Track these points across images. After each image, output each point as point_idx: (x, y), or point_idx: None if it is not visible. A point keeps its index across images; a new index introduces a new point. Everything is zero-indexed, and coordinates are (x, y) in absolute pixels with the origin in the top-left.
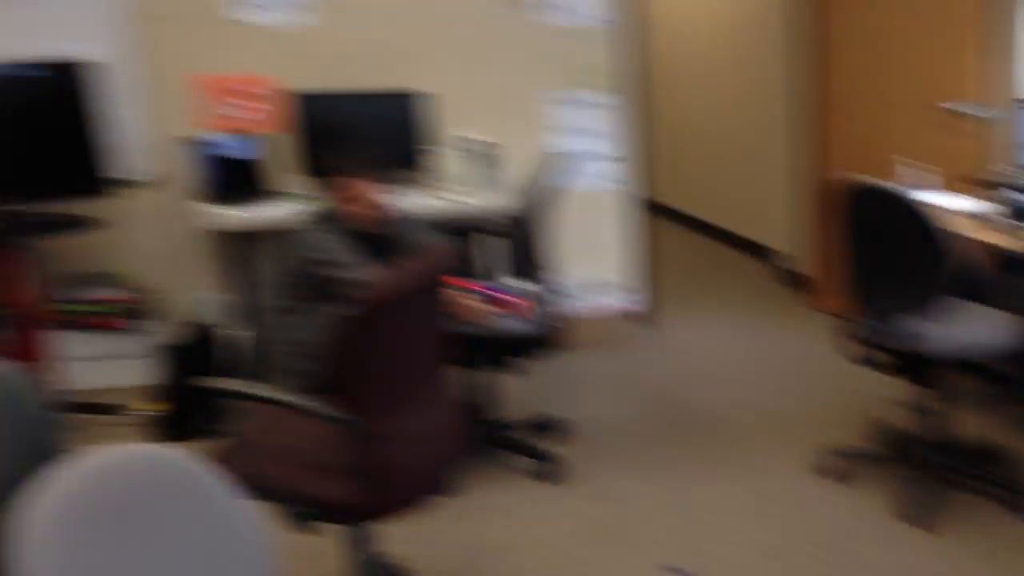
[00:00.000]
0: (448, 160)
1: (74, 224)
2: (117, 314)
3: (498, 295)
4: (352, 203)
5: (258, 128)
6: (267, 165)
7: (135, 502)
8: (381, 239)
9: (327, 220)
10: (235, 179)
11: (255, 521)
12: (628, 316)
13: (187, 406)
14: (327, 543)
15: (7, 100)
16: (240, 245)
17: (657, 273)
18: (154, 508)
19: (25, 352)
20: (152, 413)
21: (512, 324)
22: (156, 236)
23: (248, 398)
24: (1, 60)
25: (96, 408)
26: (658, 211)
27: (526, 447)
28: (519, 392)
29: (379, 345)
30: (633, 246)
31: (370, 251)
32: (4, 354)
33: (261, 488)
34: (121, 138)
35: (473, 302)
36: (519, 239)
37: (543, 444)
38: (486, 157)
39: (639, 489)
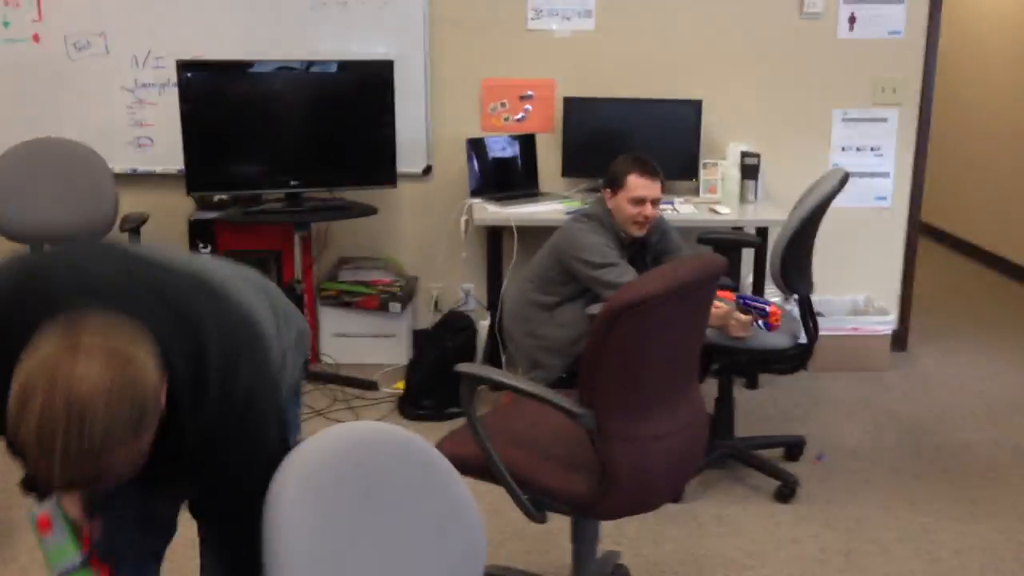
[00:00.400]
0: (721, 171)
1: (356, 210)
2: (381, 296)
3: (754, 305)
4: (628, 204)
5: (532, 130)
6: (538, 165)
7: (371, 475)
8: (643, 242)
9: (597, 220)
10: (505, 177)
11: (473, 501)
12: (880, 339)
13: (433, 388)
14: (556, 531)
15: (320, 95)
16: (504, 240)
17: (916, 296)
18: (387, 481)
19: None
20: (401, 392)
21: (763, 337)
22: (426, 226)
23: (498, 385)
24: (321, 59)
25: (352, 382)
26: (926, 231)
27: (763, 464)
28: (761, 407)
29: (633, 347)
30: (894, 266)
31: (631, 253)
32: None
33: (496, 471)
34: (406, 133)
35: (728, 311)
36: (787, 252)
37: (780, 463)
38: (757, 169)
39: (877, 520)
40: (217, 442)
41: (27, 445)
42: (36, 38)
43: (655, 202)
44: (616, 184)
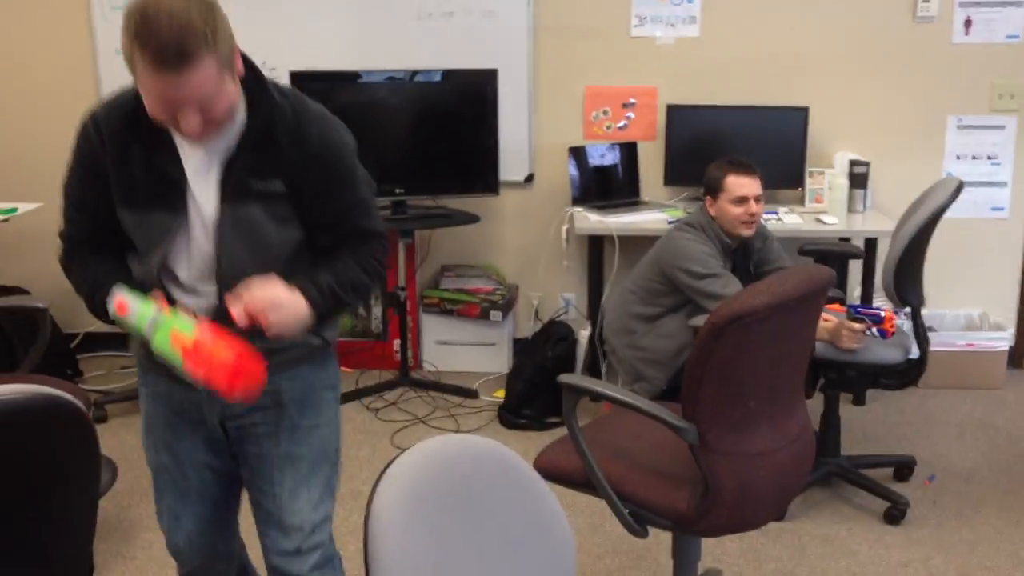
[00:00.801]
0: (828, 180)
1: (458, 218)
2: (482, 304)
3: (866, 313)
4: (731, 206)
5: (634, 138)
6: (640, 174)
7: (467, 487)
8: (746, 248)
9: (700, 229)
10: (607, 185)
11: (563, 515)
12: (995, 355)
13: (534, 397)
14: (655, 547)
15: (425, 104)
16: (605, 249)
17: None
18: (482, 494)
19: (394, 330)
20: (500, 400)
21: (875, 351)
22: (527, 235)
23: (599, 396)
24: (425, 69)
25: (453, 390)
26: None
27: (871, 484)
28: (869, 425)
29: (737, 361)
30: (1011, 280)
31: (734, 260)
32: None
33: (597, 484)
34: (508, 141)
35: (838, 323)
36: (900, 264)
37: (889, 483)
38: (866, 178)
39: (991, 544)
40: (308, 158)
41: (131, 47)
42: None
43: (758, 199)
44: (715, 189)
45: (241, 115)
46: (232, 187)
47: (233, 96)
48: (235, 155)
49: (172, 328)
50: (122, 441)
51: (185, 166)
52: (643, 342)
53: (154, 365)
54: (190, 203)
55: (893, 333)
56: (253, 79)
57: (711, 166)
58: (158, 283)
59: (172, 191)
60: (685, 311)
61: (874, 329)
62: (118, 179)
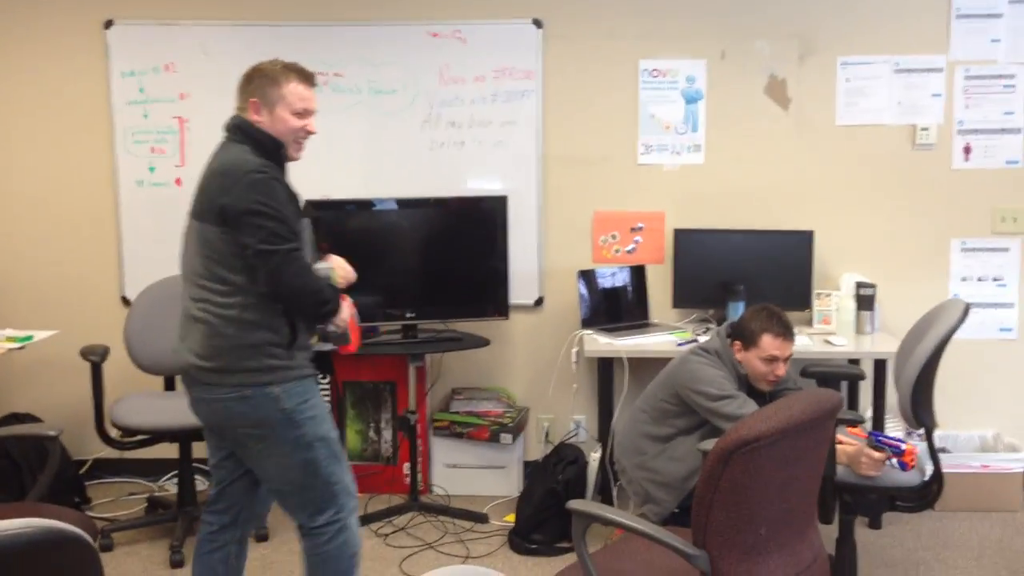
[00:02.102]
0: (835, 302)
1: (468, 342)
2: (492, 427)
3: (887, 443)
4: (760, 363)
5: (643, 261)
6: (648, 297)
7: None
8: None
9: (716, 355)
10: (616, 308)
11: None
12: (1011, 477)
13: (544, 522)
14: None
15: (435, 230)
16: (615, 371)
17: None
18: None
19: (404, 453)
20: (511, 524)
21: (894, 474)
22: (537, 357)
23: (609, 523)
24: (437, 196)
25: (463, 514)
26: None
27: None
28: (885, 549)
29: (747, 487)
30: (1022, 400)
31: (747, 389)
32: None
33: None
34: (518, 265)
35: (859, 448)
36: (916, 387)
37: None
38: (873, 300)
39: None
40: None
41: (279, 74)
42: (179, 182)
43: (787, 359)
44: (749, 340)
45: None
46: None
47: None
48: None
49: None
50: (126, 571)
51: None
52: (654, 464)
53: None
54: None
55: (913, 466)
56: None
57: (752, 313)
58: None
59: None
60: (698, 434)
61: (894, 460)
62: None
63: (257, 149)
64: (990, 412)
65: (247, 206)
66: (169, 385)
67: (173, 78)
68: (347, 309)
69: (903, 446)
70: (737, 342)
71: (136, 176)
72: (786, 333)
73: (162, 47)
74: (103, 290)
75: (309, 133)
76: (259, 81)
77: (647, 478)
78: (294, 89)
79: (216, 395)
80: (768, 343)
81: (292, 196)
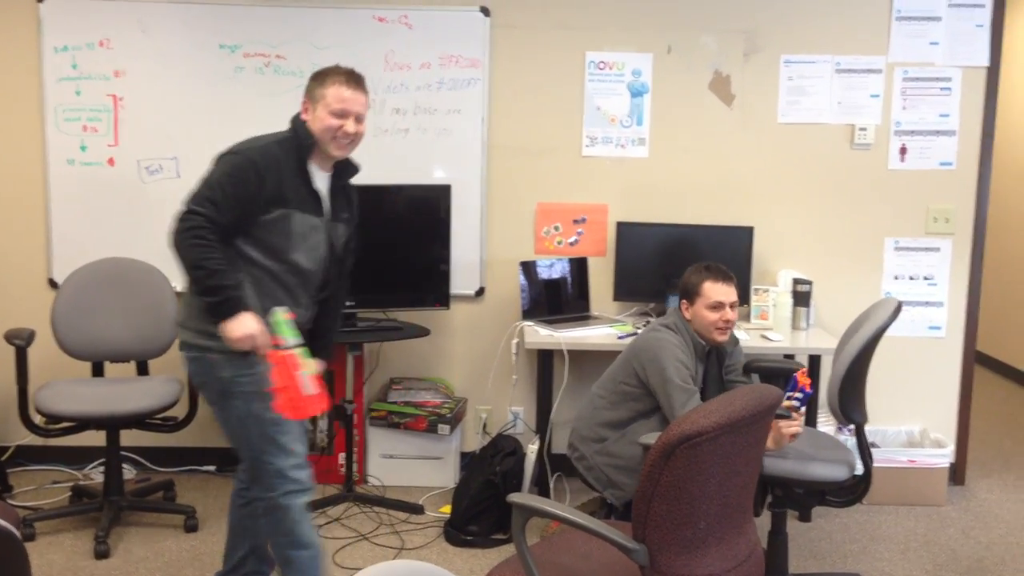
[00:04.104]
0: (772, 298)
1: (408, 331)
2: (430, 418)
3: (789, 396)
4: (708, 311)
5: (585, 253)
6: (590, 289)
7: None
8: (719, 354)
9: (678, 332)
10: (557, 300)
11: None
12: (937, 472)
13: (481, 513)
14: None
15: (377, 218)
16: (555, 363)
17: (972, 428)
18: None
19: (340, 443)
20: (447, 516)
21: (822, 469)
22: (477, 348)
23: (549, 516)
24: (379, 184)
25: (397, 505)
26: (981, 361)
27: None
28: (814, 542)
29: (688, 481)
30: (949, 397)
31: (707, 365)
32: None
33: None
34: (460, 255)
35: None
36: (844, 382)
37: None
38: (809, 297)
39: None
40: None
41: (325, 75)
42: (111, 161)
43: (733, 305)
44: (692, 293)
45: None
46: (335, 210)
47: (364, 129)
48: (336, 187)
49: (308, 356)
50: (50, 561)
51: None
52: (614, 448)
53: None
54: (325, 217)
55: (811, 385)
56: None
57: (688, 271)
58: (287, 273)
59: (318, 203)
60: (656, 417)
61: (797, 396)
62: (283, 190)
63: (287, 142)
64: (918, 408)
65: (204, 174)
66: (97, 371)
67: (108, 54)
68: (245, 327)
69: (796, 377)
70: (683, 301)
71: (67, 155)
72: (725, 278)
73: (97, 22)
74: (30, 272)
75: (347, 134)
76: (311, 82)
77: (608, 463)
78: (335, 91)
79: (184, 354)
80: (709, 288)
81: (279, 186)
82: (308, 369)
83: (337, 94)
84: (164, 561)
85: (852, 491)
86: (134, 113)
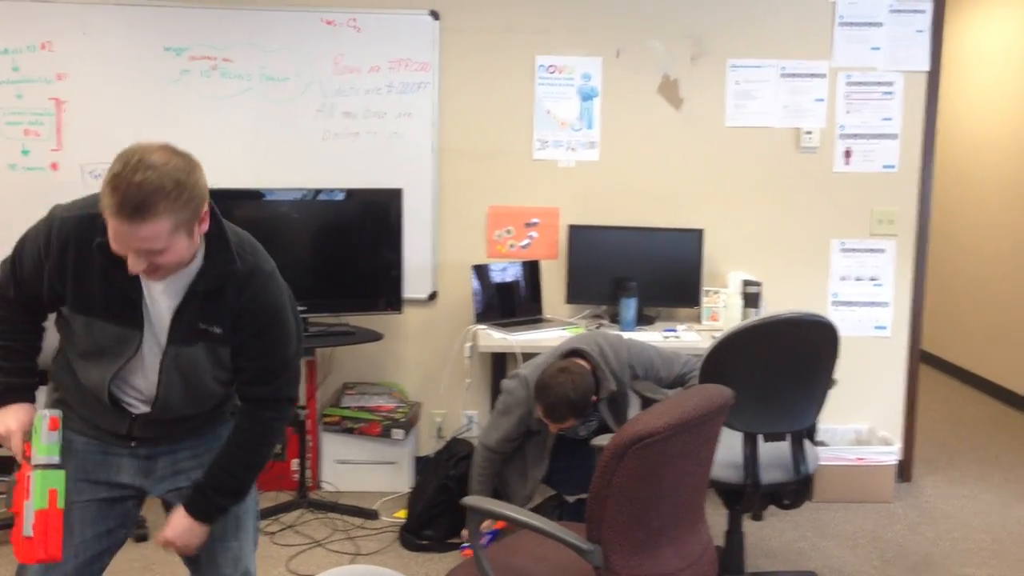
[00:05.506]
0: (723, 299)
1: (360, 336)
2: (384, 423)
3: None
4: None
5: (537, 256)
6: (542, 292)
7: None
8: (613, 399)
9: (526, 395)
10: (510, 303)
11: None
12: (884, 469)
13: (436, 517)
14: None
15: (328, 222)
16: (508, 366)
17: (918, 426)
18: None
19: (293, 449)
20: (402, 521)
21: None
22: (430, 352)
23: (503, 519)
24: (329, 187)
25: (353, 511)
26: (926, 360)
27: None
28: (765, 540)
29: (641, 482)
30: (896, 395)
31: (609, 413)
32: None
33: None
34: (412, 259)
35: None
36: None
37: None
38: (759, 298)
39: None
40: (248, 312)
41: (104, 189)
42: (54, 166)
43: (562, 429)
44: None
45: (198, 262)
46: (181, 327)
47: (182, 252)
48: (186, 299)
49: (53, 484)
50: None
51: (144, 291)
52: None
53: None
54: (146, 326)
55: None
56: (216, 234)
57: (544, 375)
58: (103, 385)
59: (128, 308)
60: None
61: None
62: (76, 285)
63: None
64: (865, 407)
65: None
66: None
67: (50, 57)
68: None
69: None
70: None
71: (8, 159)
72: (559, 419)
73: (39, 24)
74: None
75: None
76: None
77: (509, 471)
78: (110, 220)
79: None
80: (542, 415)
81: (61, 256)
82: (37, 502)
83: (112, 226)
84: (115, 571)
85: (798, 490)
86: (78, 116)
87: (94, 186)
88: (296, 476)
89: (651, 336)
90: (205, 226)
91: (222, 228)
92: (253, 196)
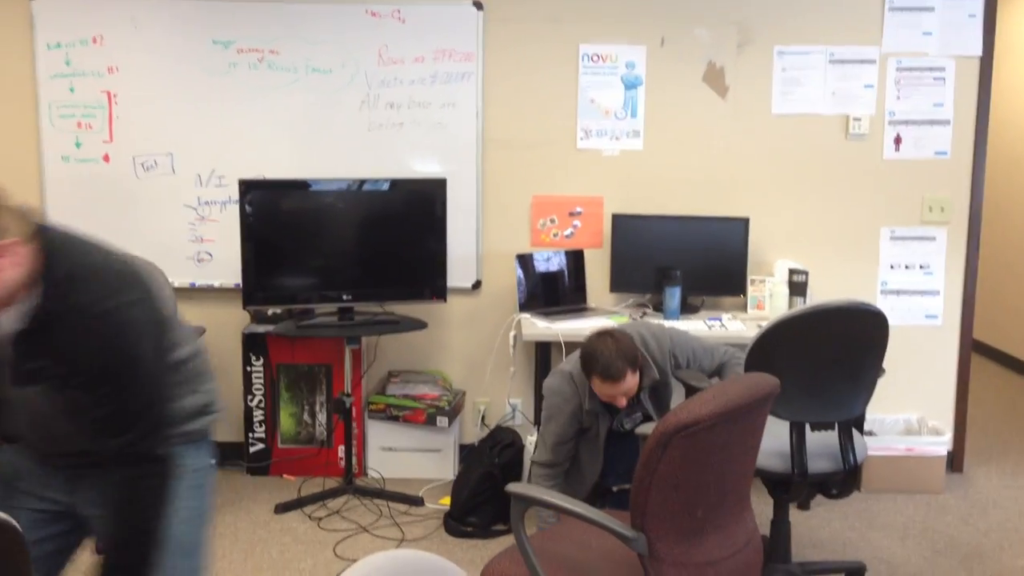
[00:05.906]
0: (769, 288)
1: (405, 324)
2: (429, 410)
3: None
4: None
5: (581, 245)
6: (586, 281)
7: None
8: (655, 388)
9: (573, 383)
10: (554, 292)
11: None
12: (935, 460)
13: (480, 505)
14: None
15: (373, 212)
16: (552, 355)
17: (970, 416)
18: None
19: (339, 436)
20: (446, 508)
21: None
22: (475, 341)
23: (548, 506)
24: (374, 177)
25: (398, 497)
26: (978, 349)
27: None
28: (814, 530)
29: (685, 470)
30: (947, 385)
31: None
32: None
33: None
34: (457, 248)
35: None
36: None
37: None
38: (805, 287)
39: None
40: (82, 352)
41: None
42: (107, 158)
43: (626, 392)
44: (586, 371)
45: (34, 300)
46: (14, 368)
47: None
48: (13, 338)
49: None
50: None
51: None
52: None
53: None
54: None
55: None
56: (42, 270)
57: (588, 346)
58: None
59: None
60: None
61: None
62: None
63: None
64: (915, 396)
65: None
66: None
67: (101, 51)
68: None
69: None
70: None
71: (62, 151)
72: (613, 378)
73: (90, 19)
74: None
75: None
76: None
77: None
78: None
79: None
80: (596, 384)
81: None
82: None
83: None
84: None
85: (847, 479)
86: (128, 109)
87: (145, 177)
88: (342, 463)
89: (695, 325)
90: (7, 261)
91: (51, 263)
92: (299, 187)
